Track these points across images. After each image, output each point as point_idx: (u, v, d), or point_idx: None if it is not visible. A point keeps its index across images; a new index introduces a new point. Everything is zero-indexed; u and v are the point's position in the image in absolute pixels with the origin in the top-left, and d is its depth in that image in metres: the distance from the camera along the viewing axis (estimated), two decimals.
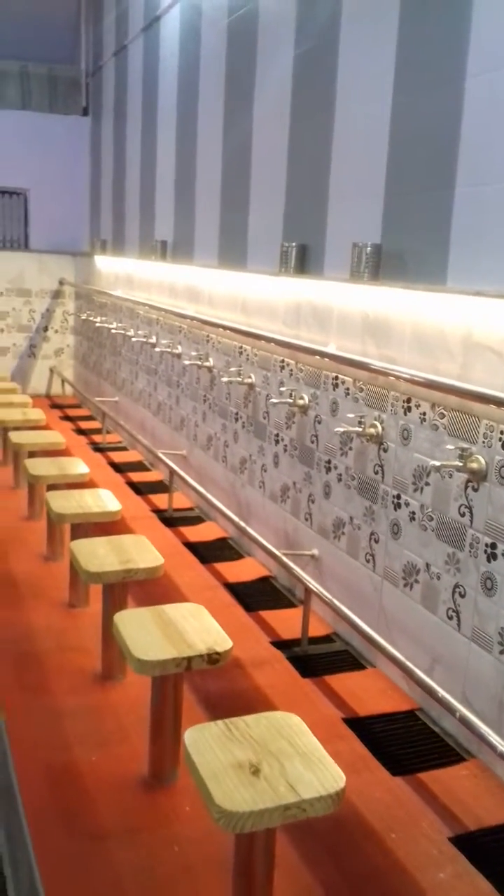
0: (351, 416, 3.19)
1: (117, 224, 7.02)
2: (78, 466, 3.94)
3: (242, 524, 3.95)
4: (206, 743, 1.73)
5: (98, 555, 2.74)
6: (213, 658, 2.12)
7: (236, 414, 4.34)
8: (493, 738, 2.29)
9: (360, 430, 3.05)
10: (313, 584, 3.18)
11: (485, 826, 2.29)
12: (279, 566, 3.63)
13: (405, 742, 2.68)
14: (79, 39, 8.16)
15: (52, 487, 3.88)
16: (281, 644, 3.27)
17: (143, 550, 2.82)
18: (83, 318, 7.95)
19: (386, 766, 2.52)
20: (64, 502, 3.32)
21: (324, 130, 3.47)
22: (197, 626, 2.27)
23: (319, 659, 3.18)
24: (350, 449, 3.23)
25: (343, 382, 3.27)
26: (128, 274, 6.53)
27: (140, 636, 2.19)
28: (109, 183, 7.28)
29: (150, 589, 3.45)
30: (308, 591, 3.19)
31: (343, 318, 3.29)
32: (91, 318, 7.56)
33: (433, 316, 2.75)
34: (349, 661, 3.19)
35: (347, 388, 3.24)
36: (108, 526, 3.58)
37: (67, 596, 3.44)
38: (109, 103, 7.30)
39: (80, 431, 6.92)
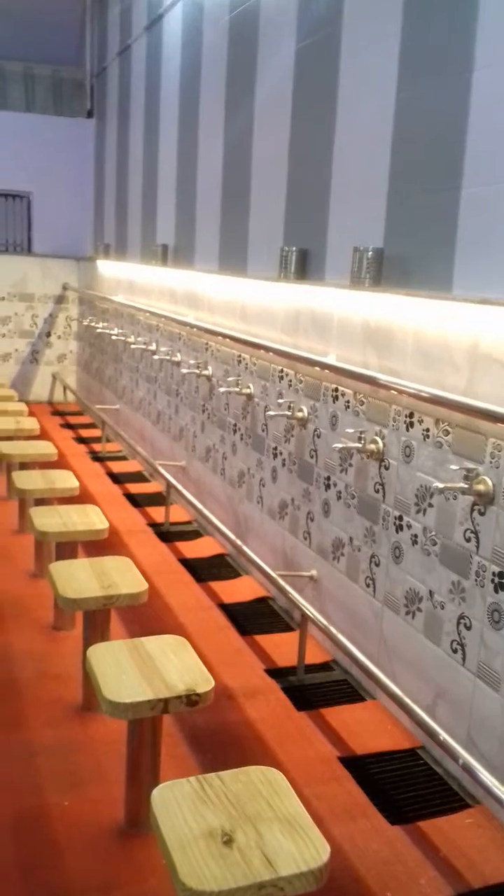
0: (351, 430, 3.00)
1: (120, 228, 6.87)
2: (67, 480, 3.77)
3: (239, 542, 3.77)
4: (176, 804, 1.54)
5: (78, 579, 2.56)
6: (192, 700, 1.94)
7: (235, 425, 4.16)
8: (500, 789, 2.09)
9: (361, 445, 2.86)
10: (310, 611, 2.99)
11: (490, 884, 2.10)
12: (274, 584, 3.44)
13: (405, 785, 2.48)
14: (83, 41, 8.03)
15: (40, 501, 3.72)
16: (276, 672, 3.08)
17: (126, 574, 2.64)
18: (86, 323, 7.80)
19: (384, 813, 2.33)
20: (48, 519, 3.14)
21: (325, 129, 3.30)
22: (177, 663, 2.08)
23: (316, 689, 2.99)
24: (350, 465, 3.05)
25: (343, 395, 3.08)
26: (129, 279, 6.37)
27: (114, 674, 2.01)
28: (113, 186, 7.13)
29: (141, 610, 3.28)
30: (305, 616, 3.00)
31: (343, 327, 3.11)
32: (93, 324, 7.41)
33: (437, 325, 2.56)
34: (348, 692, 3.00)
35: (348, 401, 3.06)
36: (98, 542, 3.41)
37: (52, 618, 3.27)
38: (114, 105, 7.15)
39: (81, 440, 6.76)
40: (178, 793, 1.58)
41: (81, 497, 3.99)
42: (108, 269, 7.10)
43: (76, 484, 3.69)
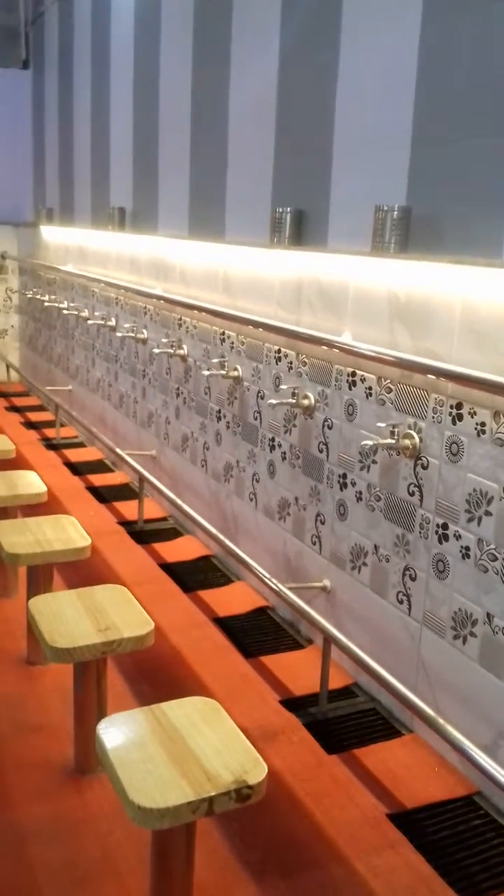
0: (375, 422, 2.57)
1: (65, 190, 6.24)
2: (32, 483, 3.24)
3: (232, 546, 3.31)
4: None
5: (66, 619, 2.08)
6: (243, 794, 1.50)
7: (219, 412, 3.69)
8: None
9: (394, 441, 2.43)
10: (334, 633, 2.56)
11: None
12: (277, 595, 3.01)
13: (470, 846, 2.10)
14: None
15: (1, 512, 3.19)
16: (293, 703, 2.66)
17: (124, 610, 2.16)
18: (29, 296, 7.16)
19: (454, 886, 1.94)
20: (17, 537, 2.63)
21: (325, 64, 2.81)
22: (213, 738, 1.63)
23: (343, 723, 2.59)
24: (374, 462, 2.62)
25: (363, 380, 2.64)
26: (80, 246, 5.77)
27: (139, 765, 1.55)
28: (55, 144, 6.48)
29: None
30: (328, 640, 2.58)
31: (362, 301, 2.66)
32: (38, 297, 6.78)
33: (494, 299, 2.13)
34: (379, 724, 2.60)
35: (369, 388, 2.62)
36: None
37: (25, 649, 2.78)
38: (53, 54, 6.46)
39: (30, 425, 6.18)
40: None
41: (44, 506, 3.48)
42: (54, 235, 6.47)
43: (43, 489, 3.17)
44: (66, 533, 2.67)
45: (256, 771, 1.54)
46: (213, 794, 1.47)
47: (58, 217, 6.46)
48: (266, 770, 1.55)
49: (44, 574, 2.59)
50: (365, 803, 2.19)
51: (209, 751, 1.59)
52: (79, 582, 3.27)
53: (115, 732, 1.62)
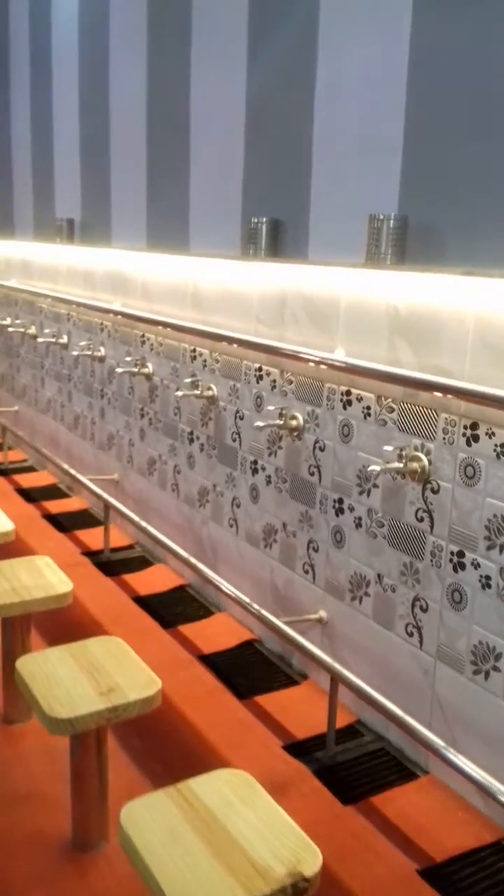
0: (380, 444, 2.41)
1: (3, 201, 5.94)
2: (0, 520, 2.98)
3: (213, 575, 3.12)
4: None
5: (62, 682, 1.85)
6: (299, 889, 1.31)
7: (191, 433, 3.49)
8: None
9: (402, 465, 2.27)
10: (344, 672, 2.39)
11: None
12: (263, 625, 2.83)
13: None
14: None
15: None
16: (297, 748, 2.48)
17: (125, 665, 1.94)
18: None
19: None
20: None
21: (300, 66, 2.66)
22: (257, 823, 1.43)
23: (353, 768, 2.42)
24: (375, 486, 2.46)
25: (360, 398, 2.49)
26: (23, 260, 5.49)
27: (172, 856, 1.34)
28: None
29: None
30: (335, 678, 2.40)
31: (356, 315, 2.50)
32: None
33: None
34: (391, 765, 2.44)
35: (367, 407, 2.46)
36: None
37: (2, 705, 2.52)
38: None
39: None
40: None
41: (11, 544, 3.21)
42: None
43: (11, 526, 2.91)
44: (44, 577, 2.43)
45: (311, 859, 1.35)
46: (267, 892, 1.28)
47: None
48: (320, 857, 1.37)
49: (22, 625, 2.34)
50: (393, 860, 2.02)
51: (252, 836, 1.39)
52: (50, 623, 3.02)
53: (142, 821, 1.41)
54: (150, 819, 1.41)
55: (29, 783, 2.24)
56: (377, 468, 2.25)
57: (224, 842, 1.37)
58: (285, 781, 2.29)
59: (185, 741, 2.47)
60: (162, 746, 2.45)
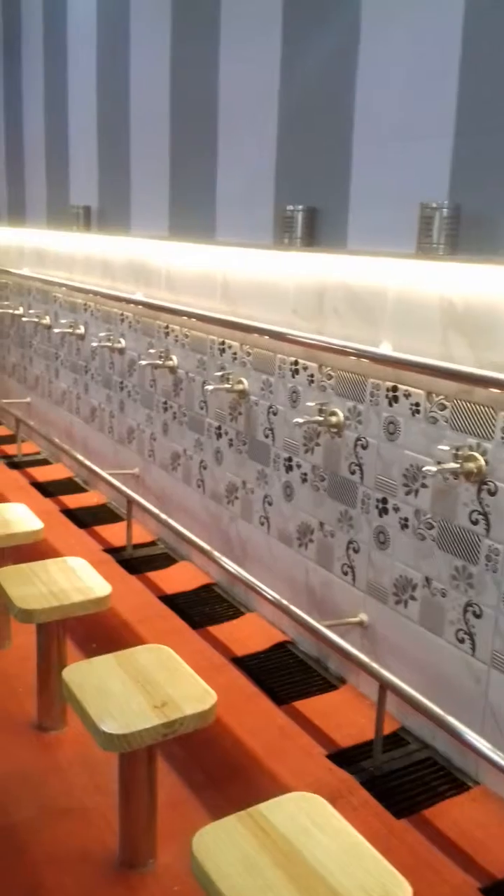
0: (430, 443, 2.32)
1: (14, 187, 5.81)
2: (25, 518, 2.87)
3: (246, 574, 3.02)
4: None
5: (113, 694, 1.76)
6: None
7: (218, 428, 3.39)
8: None
9: (458, 465, 2.18)
10: (393, 680, 2.30)
11: None
12: (295, 624, 2.74)
13: None
14: None
15: None
16: (342, 756, 2.40)
17: (178, 677, 1.85)
18: None
19: None
20: (27, 587, 2.28)
21: (341, 47, 2.54)
22: (337, 853, 1.34)
23: (401, 778, 2.33)
24: (423, 486, 2.37)
25: (408, 395, 2.39)
26: (37, 248, 5.37)
27: (252, 888, 1.25)
28: (1, 137, 6.03)
29: None
30: (384, 686, 2.32)
31: (404, 308, 2.40)
32: None
33: None
34: (441, 776, 2.35)
35: (416, 404, 2.36)
36: None
37: (34, 711, 2.43)
38: None
39: None
40: None
41: (40, 545, 3.12)
42: (5, 236, 6.03)
43: (39, 525, 2.81)
44: (81, 580, 2.33)
45: (397, 889, 1.26)
46: None
47: (4, 217, 6.03)
48: (410, 890, 1.28)
49: (59, 630, 2.25)
50: (454, 878, 1.94)
51: (332, 865, 1.31)
52: (76, 623, 2.93)
53: (216, 850, 1.32)
54: (224, 847, 1.33)
55: (69, 796, 2.15)
56: (433, 468, 2.16)
57: (304, 873, 1.29)
58: (333, 793, 2.21)
59: (226, 749, 2.39)
60: (203, 755, 2.37)
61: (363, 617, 2.67)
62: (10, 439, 5.58)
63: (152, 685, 1.80)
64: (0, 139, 6.03)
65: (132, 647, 2.01)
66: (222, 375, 3.26)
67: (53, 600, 2.19)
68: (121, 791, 1.81)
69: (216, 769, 2.31)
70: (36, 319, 5.27)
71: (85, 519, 4.23)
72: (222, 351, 3.30)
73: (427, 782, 2.32)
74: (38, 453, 5.42)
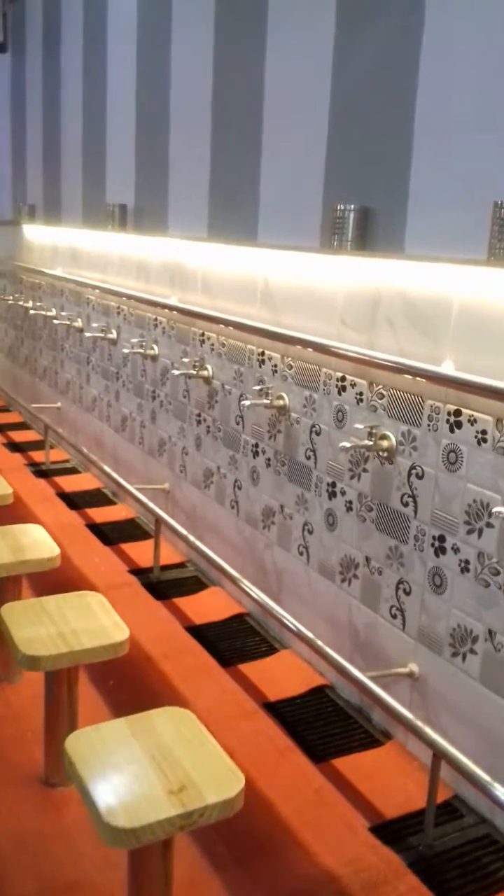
0: (499, 477, 2.02)
1: (51, 186, 5.62)
2: (41, 542, 2.62)
3: (279, 610, 2.74)
4: None
5: (120, 771, 1.49)
6: None
7: (255, 446, 3.12)
8: None
9: None
10: (451, 750, 2.00)
11: None
12: (344, 675, 2.45)
13: None
14: None
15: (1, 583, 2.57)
16: (387, 830, 2.10)
17: (201, 753, 1.58)
18: (9, 301, 6.51)
19: None
20: (35, 628, 2.02)
21: (402, 28, 2.25)
22: None
23: (454, 860, 2.03)
24: (489, 525, 2.07)
25: (474, 421, 2.09)
26: (71, 248, 5.15)
27: None
28: (38, 135, 5.84)
29: None
30: (438, 756, 2.02)
31: (472, 322, 2.11)
32: (20, 303, 6.14)
33: None
34: (501, 856, 2.05)
35: (483, 431, 2.07)
36: None
37: (42, 768, 2.18)
38: (37, 35, 5.82)
39: (14, 446, 5.54)
40: None
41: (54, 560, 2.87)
42: (39, 235, 5.84)
43: (56, 551, 2.56)
44: (96, 619, 2.07)
45: None
46: None
47: (41, 215, 5.84)
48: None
49: (69, 678, 1.99)
50: None
51: None
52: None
53: None
54: None
55: (76, 868, 1.90)
56: (503, 509, 1.86)
57: None
58: (377, 878, 1.92)
59: (254, 818, 2.11)
60: (227, 824, 2.09)
61: (413, 668, 2.38)
62: (39, 445, 5.37)
63: (169, 762, 1.53)
64: (38, 136, 5.84)
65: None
66: (261, 389, 2.99)
67: (63, 645, 1.93)
68: (130, 886, 1.54)
69: (241, 842, 2.04)
70: (68, 322, 5.06)
71: (111, 535, 3.99)
72: (262, 362, 3.03)
73: (484, 865, 2.03)
74: (66, 461, 5.20)
